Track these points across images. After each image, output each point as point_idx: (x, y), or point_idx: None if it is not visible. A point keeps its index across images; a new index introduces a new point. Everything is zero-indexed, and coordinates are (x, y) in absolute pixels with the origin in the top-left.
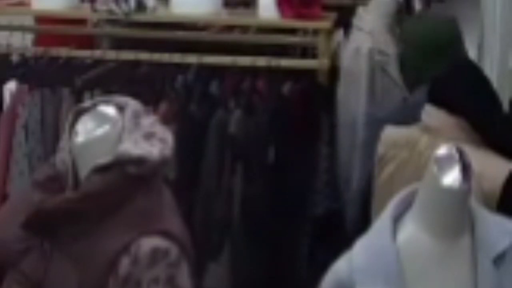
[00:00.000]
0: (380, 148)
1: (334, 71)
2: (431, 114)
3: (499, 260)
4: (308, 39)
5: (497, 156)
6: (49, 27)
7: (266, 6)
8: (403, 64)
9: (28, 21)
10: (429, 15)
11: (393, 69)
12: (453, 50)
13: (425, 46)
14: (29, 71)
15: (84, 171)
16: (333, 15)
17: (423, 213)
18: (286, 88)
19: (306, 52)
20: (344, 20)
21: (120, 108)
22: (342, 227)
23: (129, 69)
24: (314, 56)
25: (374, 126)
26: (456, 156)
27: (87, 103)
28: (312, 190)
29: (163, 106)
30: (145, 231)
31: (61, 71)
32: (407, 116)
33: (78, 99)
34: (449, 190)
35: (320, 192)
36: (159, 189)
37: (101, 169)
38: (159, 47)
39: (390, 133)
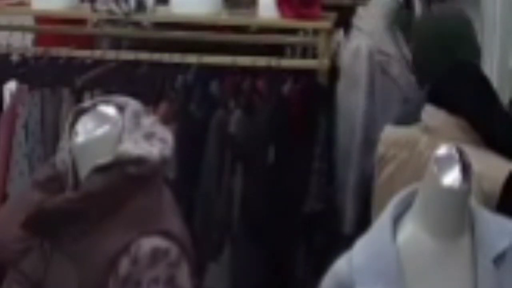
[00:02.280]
0: (380, 148)
1: (334, 71)
2: (431, 114)
3: (499, 260)
4: (308, 39)
5: (497, 156)
6: (49, 27)
7: (266, 6)
8: (415, 60)
9: (28, 21)
10: (442, 11)
11: (394, 69)
12: (466, 45)
13: (436, 41)
14: (29, 71)
15: (84, 171)
16: (333, 15)
17: (423, 213)
18: (286, 88)
19: (306, 52)
20: (344, 20)
21: (120, 108)
22: (327, 228)
23: (129, 69)
24: (314, 56)
25: (373, 126)
26: (456, 156)
27: (87, 103)
28: (306, 189)
29: (163, 106)
30: (145, 231)
31: (61, 71)
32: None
33: (78, 99)
34: (449, 190)
35: (309, 191)
36: (159, 189)
37: (101, 169)
38: (159, 47)
39: (390, 133)
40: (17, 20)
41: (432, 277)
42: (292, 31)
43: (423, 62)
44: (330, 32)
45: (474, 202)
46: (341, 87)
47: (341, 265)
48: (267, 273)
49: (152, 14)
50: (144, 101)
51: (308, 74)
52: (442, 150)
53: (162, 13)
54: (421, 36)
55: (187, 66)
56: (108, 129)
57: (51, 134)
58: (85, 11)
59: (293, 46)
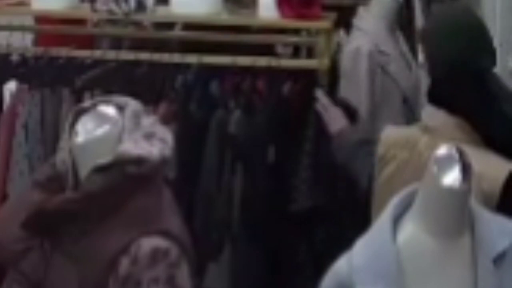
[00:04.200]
0: (380, 148)
1: (334, 71)
2: (431, 114)
3: (499, 260)
4: (308, 39)
5: (497, 156)
6: (49, 27)
7: (266, 6)
8: (428, 47)
9: (28, 21)
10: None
11: (394, 69)
12: (477, 34)
13: (445, 28)
14: (29, 71)
15: (84, 171)
16: (333, 15)
17: (423, 213)
18: (286, 88)
19: (312, 52)
20: (344, 20)
21: (120, 108)
22: (328, 227)
23: (129, 69)
24: (314, 56)
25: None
26: (456, 156)
27: (87, 103)
28: (293, 186)
29: (163, 106)
30: (145, 231)
31: (61, 71)
32: None
33: (78, 99)
34: (449, 190)
35: (298, 188)
36: (159, 189)
37: (101, 169)
38: (159, 47)
39: (390, 133)
40: (17, 20)
41: (432, 277)
42: (294, 31)
43: (435, 50)
44: (330, 32)
45: (474, 202)
46: (341, 87)
47: (341, 265)
48: (267, 273)
49: (152, 14)
50: (144, 101)
51: (308, 74)
52: (442, 150)
53: (162, 13)
54: (433, 25)
55: (187, 66)
56: (108, 129)
57: (51, 134)
58: (85, 11)
59: (297, 46)
